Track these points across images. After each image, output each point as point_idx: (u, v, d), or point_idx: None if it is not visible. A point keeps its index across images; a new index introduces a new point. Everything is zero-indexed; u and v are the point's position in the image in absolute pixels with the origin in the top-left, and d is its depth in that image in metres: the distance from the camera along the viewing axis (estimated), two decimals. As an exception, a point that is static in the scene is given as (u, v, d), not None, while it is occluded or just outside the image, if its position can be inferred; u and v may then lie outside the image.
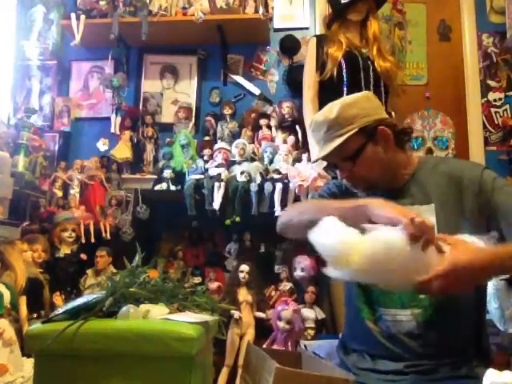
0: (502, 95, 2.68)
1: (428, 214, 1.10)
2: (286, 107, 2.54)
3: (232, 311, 2.08)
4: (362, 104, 1.19)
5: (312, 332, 2.11)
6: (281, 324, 1.97)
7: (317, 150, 1.24)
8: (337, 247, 0.95)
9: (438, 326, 1.11)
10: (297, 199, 2.21)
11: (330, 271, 0.98)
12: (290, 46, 2.71)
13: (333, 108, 1.18)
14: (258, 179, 2.27)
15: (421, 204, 1.15)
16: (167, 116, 2.81)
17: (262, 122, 2.52)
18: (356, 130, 1.15)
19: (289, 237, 1.34)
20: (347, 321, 1.34)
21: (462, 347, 1.13)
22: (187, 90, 2.83)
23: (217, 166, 2.36)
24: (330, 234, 0.97)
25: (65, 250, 2.28)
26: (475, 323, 1.16)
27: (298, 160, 2.33)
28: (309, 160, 2.24)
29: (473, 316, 1.16)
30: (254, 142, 2.51)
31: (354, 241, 0.95)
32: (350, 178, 1.20)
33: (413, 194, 1.18)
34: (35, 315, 1.96)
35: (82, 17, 2.61)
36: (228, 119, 2.61)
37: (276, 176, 2.27)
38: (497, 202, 1.10)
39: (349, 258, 0.93)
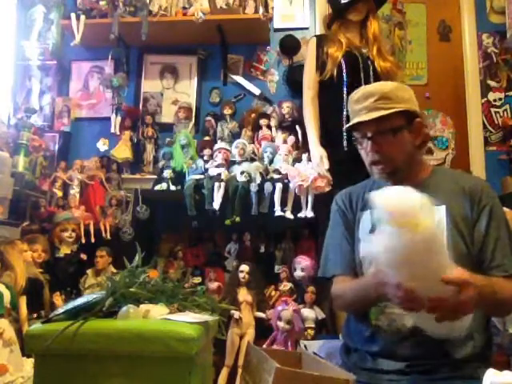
0: (502, 95, 2.68)
1: (441, 215, 1.19)
2: (286, 107, 2.54)
3: (232, 311, 2.08)
4: (411, 93, 1.29)
5: (312, 332, 2.10)
6: (281, 324, 1.97)
7: (356, 118, 1.26)
8: (413, 208, 0.90)
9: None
10: (297, 199, 2.21)
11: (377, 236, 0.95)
12: (290, 45, 2.71)
13: (386, 84, 1.28)
14: (258, 179, 2.26)
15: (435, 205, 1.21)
16: (167, 116, 2.80)
17: (262, 122, 2.52)
18: (402, 109, 1.22)
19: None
20: (348, 319, 1.34)
21: (464, 345, 1.13)
22: (187, 90, 2.83)
23: (217, 166, 2.36)
24: (410, 195, 0.93)
25: (65, 250, 2.28)
26: (478, 319, 1.16)
27: (298, 160, 2.33)
28: (309, 160, 2.24)
29: (476, 312, 1.15)
30: (254, 142, 2.51)
31: (430, 210, 0.93)
32: (379, 153, 1.24)
33: (428, 193, 1.21)
34: (35, 315, 1.95)
35: (82, 17, 2.60)
36: (228, 119, 2.61)
37: (276, 176, 2.27)
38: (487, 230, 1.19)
39: (419, 222, 0.89)
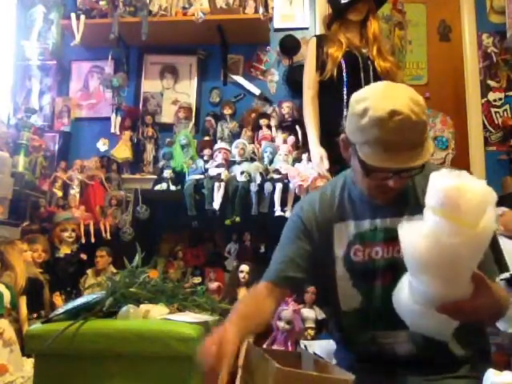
0: (502, 95, 2.68)
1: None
2: (286, 107, 2.54)
3: (232, 311, 2.07)
4: None
5: (312, 332, 2.10)
6: (281, 324, 1.96)
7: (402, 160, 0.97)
8: (479, 199, 0.80)
9: (436, 342, 1.01)
10: (297, 199, 2.21)
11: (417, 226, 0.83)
12: (290, 45, 2.71)
13: (418, 100, 0.97)
14: (258, 179, 2.26)
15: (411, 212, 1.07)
16: (167, 116, 2.80)
17: (262, 122, 2.52)
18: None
19: None
20: (336, 342, 1.29)
21: (463, 350, 1.11)
22: (187, 90, 2.83)
23: (217, 166, 2.36)
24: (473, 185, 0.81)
25: (65, 250, 2.28)
26: (474, 326, 1.14)
27: (297, 160, 2.33)
28: (309, 160, 2.24)
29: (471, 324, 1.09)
30: (254, 142, 2.51)
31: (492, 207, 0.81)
32: (400, 188, 1.04)
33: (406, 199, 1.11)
34: (35, 315, 1.96)
35: (82, 17, 2.61)
36: (228, 119, 2.61)
37: (276, 176, 2.27)
38: None
39: (480, 218, 0.80)
